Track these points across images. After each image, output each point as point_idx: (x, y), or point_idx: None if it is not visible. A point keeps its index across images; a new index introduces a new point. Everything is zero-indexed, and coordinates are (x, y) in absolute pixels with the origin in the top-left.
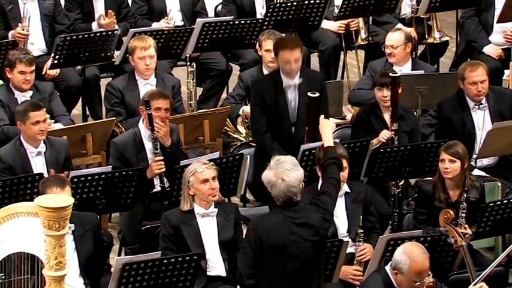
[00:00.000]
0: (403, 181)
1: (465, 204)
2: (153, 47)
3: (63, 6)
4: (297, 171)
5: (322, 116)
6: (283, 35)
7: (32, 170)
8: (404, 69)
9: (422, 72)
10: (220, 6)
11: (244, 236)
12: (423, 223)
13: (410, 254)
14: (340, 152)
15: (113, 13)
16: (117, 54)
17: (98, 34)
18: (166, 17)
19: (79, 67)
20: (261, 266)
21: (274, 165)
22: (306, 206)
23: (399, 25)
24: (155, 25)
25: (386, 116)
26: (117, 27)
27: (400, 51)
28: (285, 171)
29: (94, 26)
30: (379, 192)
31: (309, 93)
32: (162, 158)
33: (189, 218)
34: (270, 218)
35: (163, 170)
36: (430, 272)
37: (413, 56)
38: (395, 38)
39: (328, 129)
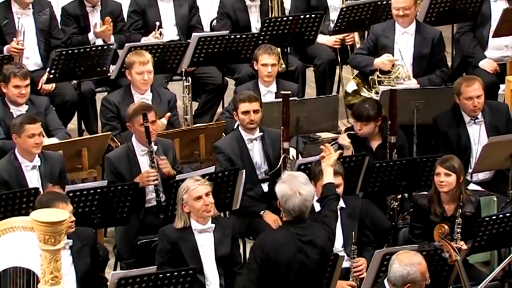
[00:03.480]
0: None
1: (460, 219)
2: (151, 61)
3: (58, 20)
4: (310, 186)
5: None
6: (278, 49)
7: (26, 184)
8: (409, 29)
9: (417, 86)
10: (215, 21)
11: (249, 252)
12: (419, 237)
13: (411, 260)
14: (335, 169)
15: (110, 20)
16: (113, 69)
17: (94, 48)
18: (154, 32)
19: (75, 81)
20: (266, 282)
21: (288, 179)
22: (312, 223)
23: None
24: (143, 40)
25: (372, 142)
26: (112, 38)
27: (413, 10)
28: (301, 185)
29: (91, 36)
30: (379, 206)
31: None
32: (156, 171)
33: (187, 233)
34: (276, 234)
35: (155, 182)
36: None
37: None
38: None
39: (330, 167)
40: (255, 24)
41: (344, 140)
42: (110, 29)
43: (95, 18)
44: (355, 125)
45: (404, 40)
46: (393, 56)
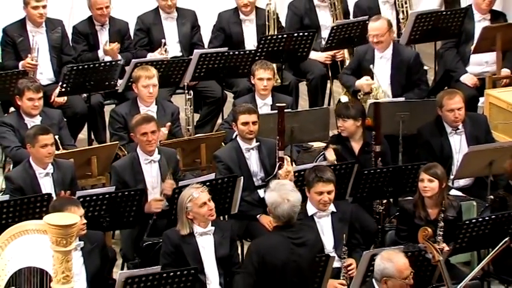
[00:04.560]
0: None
1: (443, 222)
2: (156, 76)
3: (69, 38)
4: (297, 193)
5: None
6: (274, 65)
7: (40, 191)
8: (386, 54)
9: (403, 99)
10: (211, 34)
11: (244, 258)
12: (404, 239)
13: (390, 257)
14: (327, 176)
15: (117, 47)
16: (120, 83)
17: (102, 64)
18: (160, 48)
19: (85, 94)
20: (263, 285)
21: (277, 187)
22: (302, 226)
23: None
24: (149, 56)
25: (354, 144)
26: (119, 57)
27: (386, 37)
28: (288, 193)
29: (100, 53)
30: (366, 210)
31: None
32: (164, 199)
33: (189, 236)
34: (270, 238)
35: (159, 210)
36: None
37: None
38: (380, 26)
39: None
40: (250, 38)
41: (330, 155)
42: (118, 46)
43: (103, 36)
44: (338, 122)
45: (382, 64)
46: (372, 77)
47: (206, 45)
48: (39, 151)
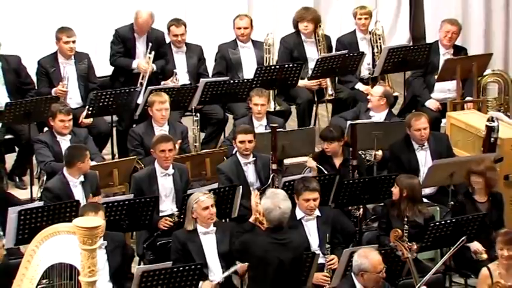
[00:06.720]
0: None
1: (406, 226)
2: (168, 101)
3: (94, 69)
4: (288, 201)
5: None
6: (268, 91)
7: (73, 197)
8: (379, 116)
9: (378, 120)
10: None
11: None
12: (385, 230)
13: (366, 254)
14: (313, 186)
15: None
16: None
17: (123, 91)
18: (172, 77)
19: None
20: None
21: (271, 195)
22: (288, 229)
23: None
24: (163, 83)
25: (335, 160)
26: (154, 66)
27: (375, 100)
28: (281, 201)
29: (134, 64)
30: (345, 214)
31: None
32: (172, 220)
33: (194, 235)
34: (255, 236)
35: (165, 228)
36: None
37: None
38: (375, 90)
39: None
40: (248, 62)
41: (311, 163)
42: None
43: (140, 43)
44: (323, 144)
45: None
46: None
47: (210, 74)
48: (87, 165)
